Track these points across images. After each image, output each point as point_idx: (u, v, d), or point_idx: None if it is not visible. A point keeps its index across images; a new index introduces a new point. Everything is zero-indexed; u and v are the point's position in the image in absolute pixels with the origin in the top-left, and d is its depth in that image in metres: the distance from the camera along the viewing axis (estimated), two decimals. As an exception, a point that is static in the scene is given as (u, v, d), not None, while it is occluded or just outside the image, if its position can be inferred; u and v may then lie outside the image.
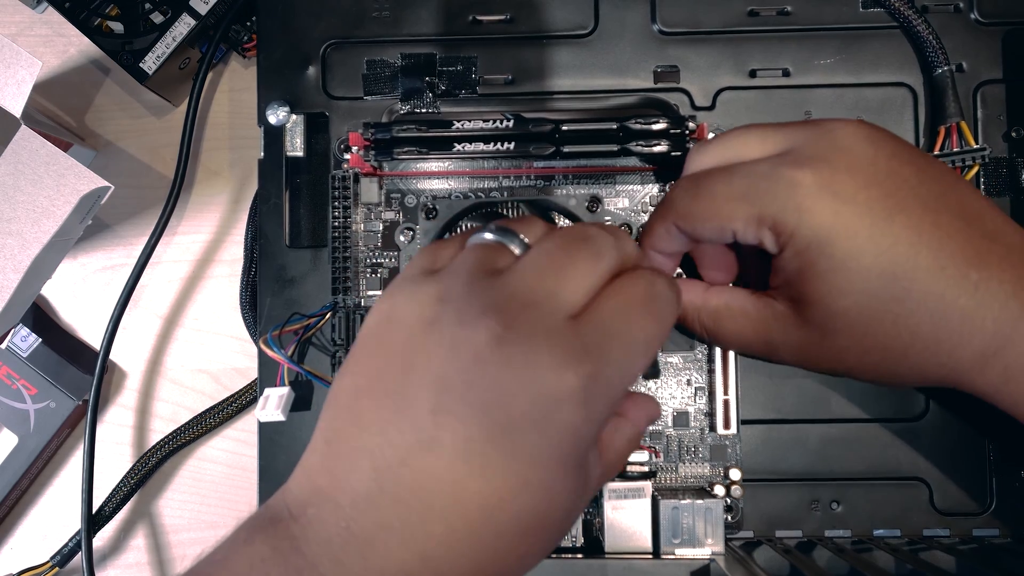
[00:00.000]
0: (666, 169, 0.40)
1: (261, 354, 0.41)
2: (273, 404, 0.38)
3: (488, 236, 0.28)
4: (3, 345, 0.46)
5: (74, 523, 0.45)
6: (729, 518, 0.40)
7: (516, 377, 0.24)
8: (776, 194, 0.29)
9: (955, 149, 0.40)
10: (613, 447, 0.29)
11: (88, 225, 0.44)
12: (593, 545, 0.39)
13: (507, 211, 0.40)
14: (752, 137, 0.32)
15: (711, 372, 0.40)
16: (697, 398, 0.40)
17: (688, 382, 0.40)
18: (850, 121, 0.31)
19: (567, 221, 0.40)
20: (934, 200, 0.29)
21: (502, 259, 0.27)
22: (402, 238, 0.40)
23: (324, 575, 0.24)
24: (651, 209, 0.41)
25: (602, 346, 0.25)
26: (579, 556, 0.37)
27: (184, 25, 0.44)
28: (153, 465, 0.46)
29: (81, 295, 0.48)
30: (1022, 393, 0.29)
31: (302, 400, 0.40)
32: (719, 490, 0.39)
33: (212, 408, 0.46)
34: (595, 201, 0.38)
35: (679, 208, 0.32)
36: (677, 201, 0.32)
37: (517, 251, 0.28)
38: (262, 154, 0.42)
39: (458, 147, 0.38)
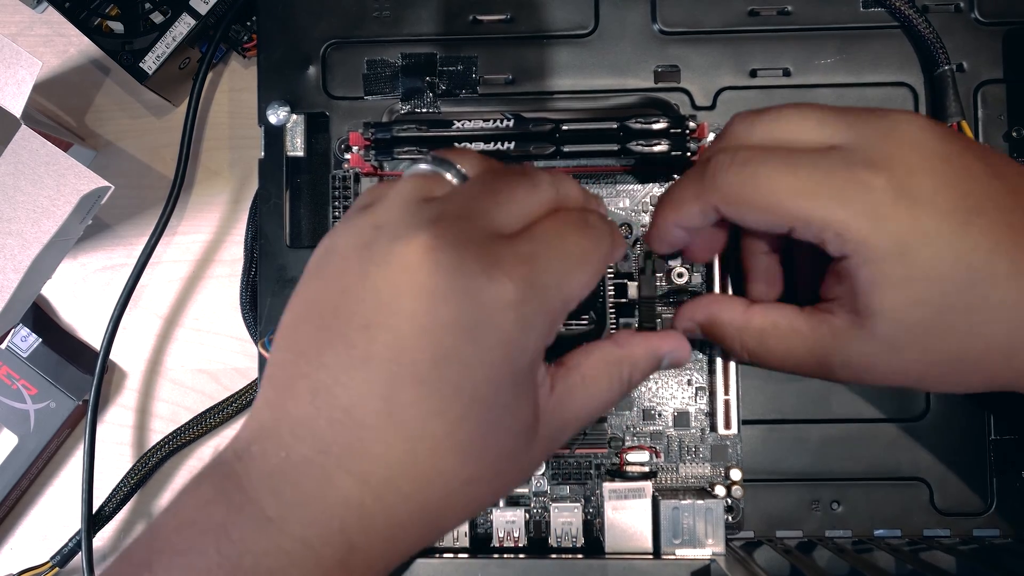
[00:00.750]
0: (667, 169, 0.40)
1: (261, 355, 0.41)
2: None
3: (424, 167, 0.28)
4: (3, 345, 0.46)
5: (74, 523, 0.45)
6: (730, 518, 0.40)
7: (447, 284, 0.23)
8: (849, 196, 0.27)
9: (956, 149, 0.40)
10: (570, 397, 0.28)
11: (88, 225, 0.44)
12: (593, 545, 0.39)
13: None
14: (810, 120, 0.29)
15: (712, 372, 0.40)
16: (698, 398, 0.40)
17: (688, 382, 0.40)
18: (914, 114, 0.29)
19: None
20: (1008, 199, 0.27)
21: (439, 188, 0.27)
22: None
23: (264, 508, 0.23)
24: (651, 209, 0.41)
25: (535, 254, 0.25)
26: (579, 556, 0.37)
27: (184, 25, 0.44)
28: (153, 465, 0.46)
29: (81, 295, 0.48)
30: None
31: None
32: (719, 490, 0.39)
33: (212, 408, 0.46)
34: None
35: (726, 189, 0.29)
36: (723, 179, 0.29)
37: (454, 181, 0.28)
38: (262, 154, 0.42)
39: (458, 147, 0.38)
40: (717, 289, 0.39)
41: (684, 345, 0.32)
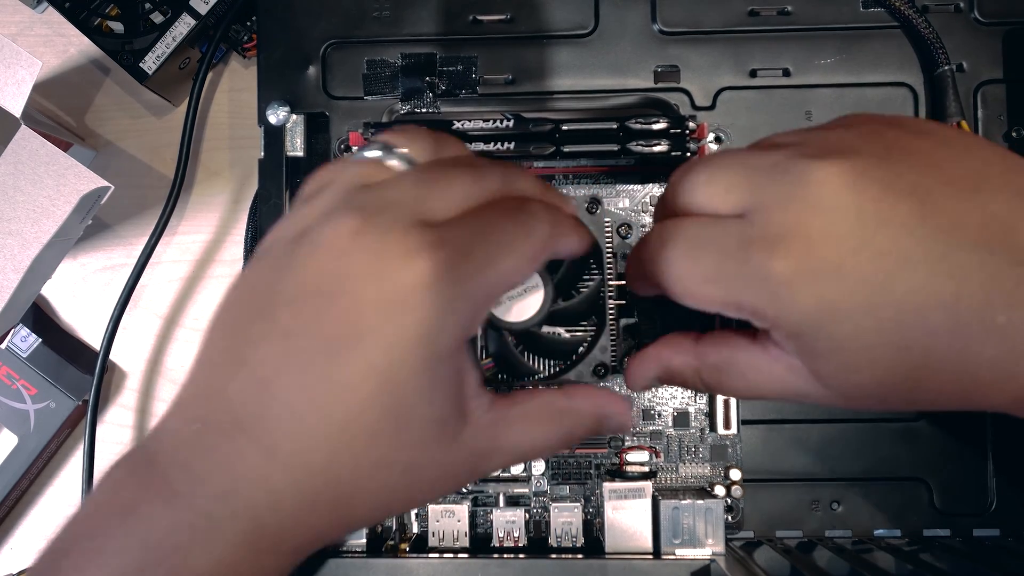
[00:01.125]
0: (667, 169, 0.40)
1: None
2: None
3: (369, 153, 0.28)
4: (3, 345, 0.46)
5: (74, 523, 0.45)
6: (729, 518, 0.40)
7: (368, 266, 0.24)
8: (748, 282, 0.25)
9: (955, 149, 0.40)
10: (507, 425, 0.28)
11: (88, 225, 0.44)
12: (593, 545, 0.39)
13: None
14: (719, 184, 0.27)
15: (711, 372, 0.40)
16: (697, 398, 0.40)
17: (688, 382, 0.40)
18: (826, 160, 0.25)
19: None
20: (943, 236, 0.24)
21: (382, 174, 0.27)
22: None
23: (173, 483, 0.23)
24: (651, 209, 0.41)
25: (459, 239, 0.25)
26: (579, 556, 0.37)
27: (184, 25, 0.44)
28: (153, 465, 0.46)
29: (81, 295, 0.48)
30: None
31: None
32: (719, 490, 0.39)
33: (212, 408, 0.46)
34: (595, 202, 0.38)
35: (652, 274, 0.29)
36: (648, 262, 0.29)
37: (399, 167, 0.28)
38: (262, 154, 0.42)
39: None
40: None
41: (629, 415, 0.31)
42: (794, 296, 0.25)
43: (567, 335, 0.39)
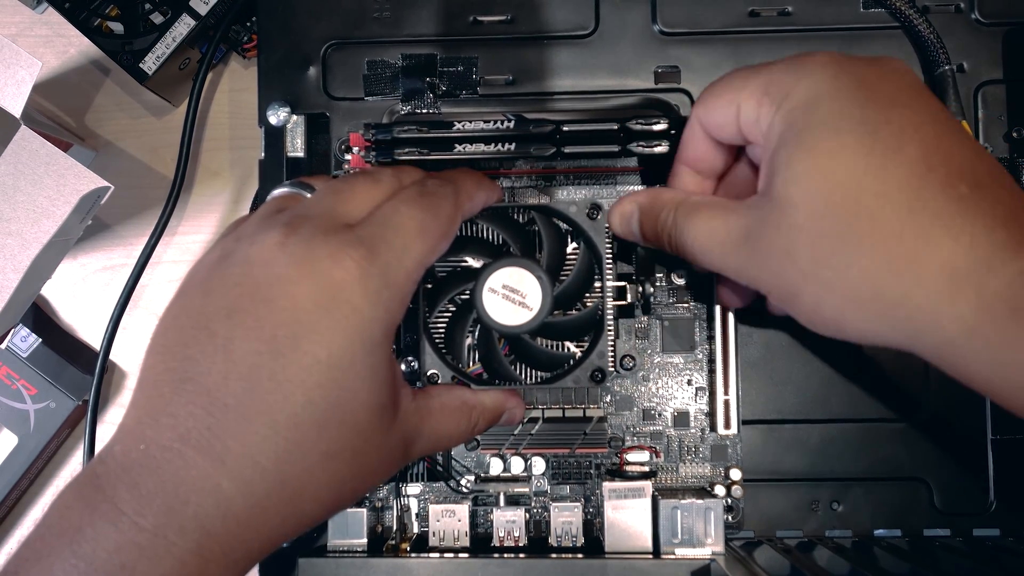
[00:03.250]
0: (667, 169, 0.40)
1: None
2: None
3: (281, 190, 0.32)
4: (3, 345, 0.46)
5: (74, 523, 0.45)
6: (729, 518, 0.40)
7: (299, 270, 0.26)
8: (784, 66, 0.30)
9: (955, 149, 0.40)
10: (428, 415, 0.31)
11: (88, 225, 0.44)
12: (593, 545, 0.39)
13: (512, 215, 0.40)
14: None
15: (711, 372, 0.40)
16: (698, 398, 0.40)
17: (688, 382, 0.40)
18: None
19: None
20: (931, 139, 0.27)
21: (294, 202, 0.31)
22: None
23: (119, 503, 0.24)
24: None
25: (375, 234, 0.28)
26: (579, 556, 0.37)
27: (184, 25, 0.44)
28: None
29: (81, 295, 0.48)
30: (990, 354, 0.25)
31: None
32: (719, 490, 0.39)
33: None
34: (595, 208, 0.38)
35: (700, 103, 0.33)
36: (700, 100, 0.33)
37: (309, 196, 0.31)
38: (263, 154, 0.42)
39: (459, 148, 0.38)
40: (717, 284, 0.39)
41: (522, 406, 0.37)
42: (817, 72, 0.29)
43: (576, 350, 0.39)
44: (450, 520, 0.39)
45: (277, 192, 0.32)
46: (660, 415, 0.40)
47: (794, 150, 0.28)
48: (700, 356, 0.40)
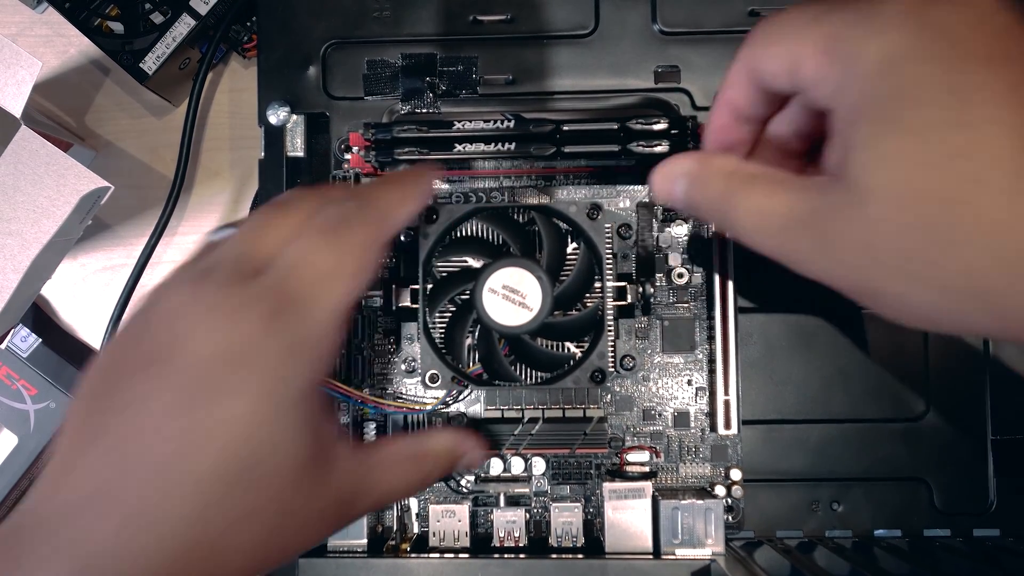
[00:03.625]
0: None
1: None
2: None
3: (215, 234, 0.32)
4: (3, 345, 0.46)
5: (74, 523, 0.45)
6: (730, 518, 0.40)
7: (205, 325, 0.25)
8: (853, 15, 0.25)
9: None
10: (369, 470, 0.29)
11: (88, 225, 0.44)
12: (594, 545, 0.39)
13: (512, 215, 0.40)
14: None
15: (712, 372, 0.40)
16: (698, 398, 0.40)
17: (689, 382, 0.40)
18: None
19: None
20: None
21: (211, 250, 0.29)
22: (403, 238, 0.40)
23: (34, 558, 0.23)
24: (653, 209, 0.41)
25: (279, 283, 0.26)
26: (579, 556, 0.37)
27: (184, 25, 0.44)
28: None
29: (81, 295, 0.48)
30: None
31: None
32: (720, 490, 0.39)
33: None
34: (595, 208, 0.38)
35: (750, 43, 0.28)
36: (750, 39, 0.28)
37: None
38: (263, 154, 0.42)
39: (459, 147, 0.38)
40: (717, 288, 0.39)
41: (480, 453, 0.34)
42: (895, 23, 0.24)
43: (577, 350, 0.39)
44: (450, 520, 0.39)
45: (211, 235, 0.32)
46: (660, 415, 0.40)
47: (872, 127, 0.24)
48: (700, 356, 0.40)
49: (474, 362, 0.39)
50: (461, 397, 0.40)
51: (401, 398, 0.41)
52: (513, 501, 0.40)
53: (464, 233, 0.39)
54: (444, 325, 0.39)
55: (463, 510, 0.39)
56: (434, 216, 0.38)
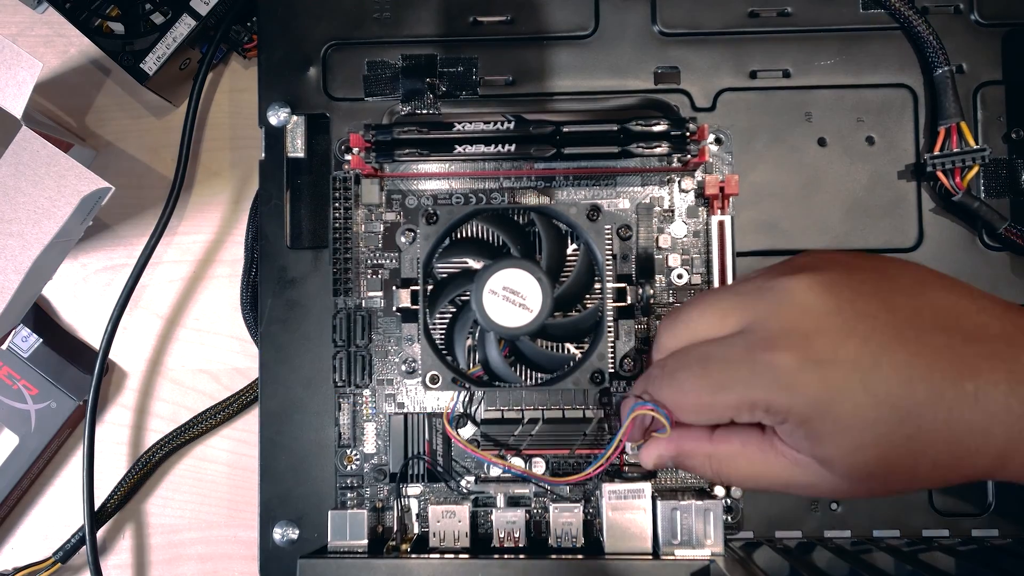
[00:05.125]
0: (667, 170, 0.40)
1: (262, 354, 0.41)
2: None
3: None
4: (4, 345, 0.46)
5: (75, 523, 0.45)
6: (729, 519, 0.40)
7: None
8: (759, 380, 0.29)
9: (955, 150, 0.40)
10: None
11: (89, 226, 0.44)
12: (593, 546, 0.39)
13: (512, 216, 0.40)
14: (713, 314, 0.31)
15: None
16: (697, 399, 0.40)
17: (688, 383, 0.40)
18: (800, 275, 0.30)
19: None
20: (908, 324, 0.29)
21: None
22: (403, 239, 0.40)
23: None
24: (652, 210, 0.41)
25: None
26: (579, 556, 0.37)
27: (184, 26, 0.44)
28: (154, 464, 0.46)
29: (82, 295, 0.48)
30: None
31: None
32: (719, 491, 0.39)
33: (212, 408, 0.46)
34: (595, 210, 0.38)
35: (667, 402, 0.32)
36: (660, 395, 0.32)
37: None
38: (263, 155, 0.42)
39: (459, 148, 0.38)
40: (716, 283, 0.39)
41: None
42: (800, 383, 0.28)
43: (576, 350, 0.39)
44: (450, 521, 0.39)
45: None
46: (660, 416, 0.40)
47: (818, 426, 0.28)
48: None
49: (474, 363, 0.39)
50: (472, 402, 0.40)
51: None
52: (513, 501, 0.40)
53: (464, 234, 0.39)
54: (444, 326, 0.39)
55: (463, 511, 0.39)
56: (434, 217, 0.38)
